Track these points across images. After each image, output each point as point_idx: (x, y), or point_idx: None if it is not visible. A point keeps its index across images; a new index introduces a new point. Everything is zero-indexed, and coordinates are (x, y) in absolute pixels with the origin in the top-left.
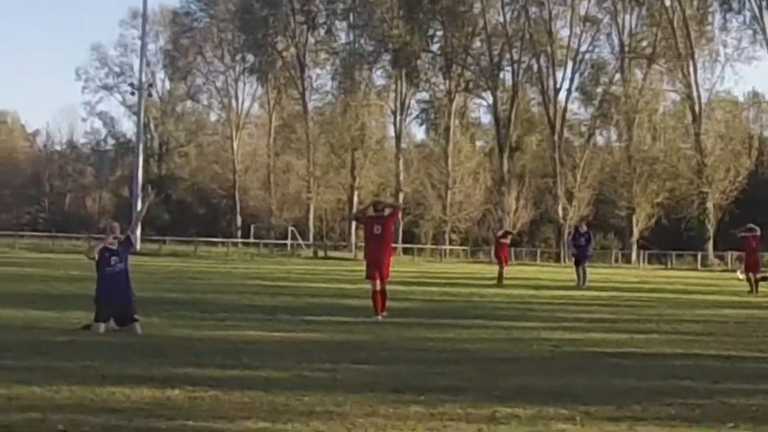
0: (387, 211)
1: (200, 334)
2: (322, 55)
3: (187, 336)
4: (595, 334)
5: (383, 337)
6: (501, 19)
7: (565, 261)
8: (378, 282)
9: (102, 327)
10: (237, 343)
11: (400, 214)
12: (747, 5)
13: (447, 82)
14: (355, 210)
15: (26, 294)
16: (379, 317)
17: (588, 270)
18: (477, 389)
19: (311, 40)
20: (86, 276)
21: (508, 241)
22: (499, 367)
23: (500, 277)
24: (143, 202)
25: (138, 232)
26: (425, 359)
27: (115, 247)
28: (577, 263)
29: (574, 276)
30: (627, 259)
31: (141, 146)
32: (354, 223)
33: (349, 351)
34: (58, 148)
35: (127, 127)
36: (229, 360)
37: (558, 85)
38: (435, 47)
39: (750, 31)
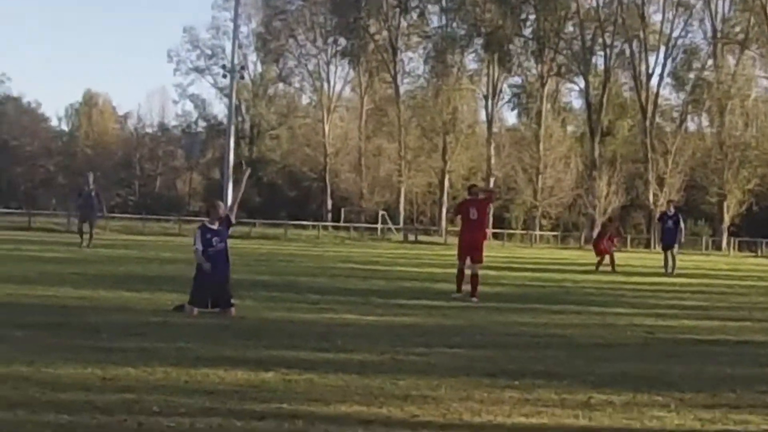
0: (481, 195)
1: (294, 317)
2: (414, 39)
3: (280, 318)
4: (687, 321)
5: (476, 321)
6: (593, 4)
7: (655, 247)
8: (467, 262)
9: (195, 310)
10: (331, 326)
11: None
12: None
13: (539, 66)
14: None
15: (118, 275)
16: (458, 295)
17: (678, 257)
18: (571, 375)
19: (403, 23)
20: (178, 258)
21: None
22: (593, 353)
23: (601, 264)
24: (240, 181)
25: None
26: (518, 344)
27: (215, 227)
28: (666, 249)
29: (663, 263)
30: (717, 246)
31: (232, 128)
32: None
33: (443, 335)
34: (149, 130)
35: (219, 109)
36: (324, 343)
37: (650, 71)
38: (527, 31)
39: None
